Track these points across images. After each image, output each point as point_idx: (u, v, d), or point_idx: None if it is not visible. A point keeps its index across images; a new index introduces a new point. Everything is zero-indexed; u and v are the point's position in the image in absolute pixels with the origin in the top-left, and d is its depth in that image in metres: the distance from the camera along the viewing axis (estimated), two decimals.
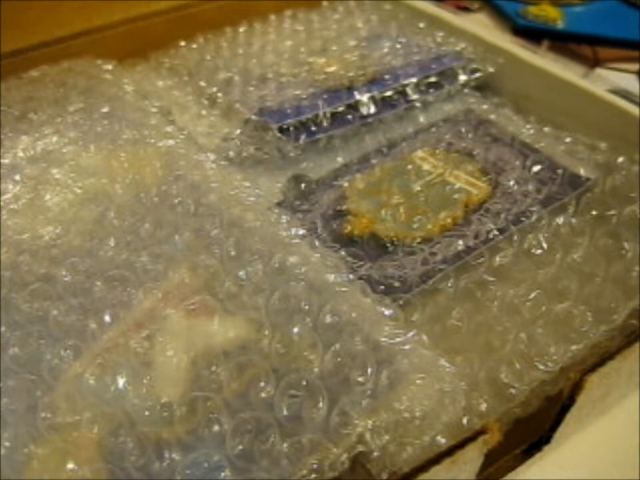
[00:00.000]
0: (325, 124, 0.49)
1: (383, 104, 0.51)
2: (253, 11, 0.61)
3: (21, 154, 0.43)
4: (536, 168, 0.45)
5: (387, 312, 0.34)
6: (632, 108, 0.48)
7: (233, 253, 0.36)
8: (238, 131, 0.48)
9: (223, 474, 0.28)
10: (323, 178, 0.47)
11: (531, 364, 0.34)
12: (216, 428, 0.29)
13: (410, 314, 0.36)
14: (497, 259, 0.40)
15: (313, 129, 0.48)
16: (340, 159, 0.49)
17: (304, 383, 0.30)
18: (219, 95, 0.51)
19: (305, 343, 0.32)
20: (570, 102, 0.51)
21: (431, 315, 0.37)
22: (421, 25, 0.59)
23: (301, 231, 0.39)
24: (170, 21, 0.58)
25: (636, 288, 0.37)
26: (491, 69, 0.54)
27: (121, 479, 0.28)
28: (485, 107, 0.53)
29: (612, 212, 0.42)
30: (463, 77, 0.54)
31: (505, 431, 0.31)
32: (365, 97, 0.50)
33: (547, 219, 0.42)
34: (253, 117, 0.48)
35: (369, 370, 0.30)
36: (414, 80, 0.52)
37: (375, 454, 0.29)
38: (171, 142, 0.45)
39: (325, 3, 0.64)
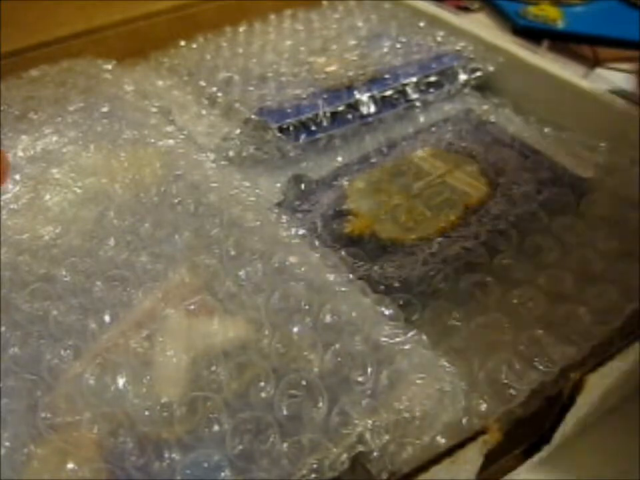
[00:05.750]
0: (324, 123, 0.49)
1: (383, 103, 0.51)
2: (253, 11, 0.61)
3: (20, 154, 0.43)
4: (536, 168, 0.45)
5: (386, 312, 0.34)
6: (632, 108, 0.48)
7: (232, 253, 0.36)
8: (238, 131, 0.48)
9: (222, 474, 0.28)
10: (323, 178, 0.47)
11: (530, 364, 0.34)
12: (216, 428, 0.29)
13: (410, 314, 0.36)
14: (497, 259, 0.40)
15: (313, 128, 0.48)
16: (340, 159, 0.49)
17: (304, 383, 0.30)
18: (219, 94, 0.51)
19: (305, 342, 0.32)
20: (570, 102, 0.51)
21: (431, 315, 0.37)
22: (421, 24, 0.59)
23: (301, 231, 0.39)
24: (170, 20, 0.58)
25: (636, 288, 0.37)
26: (491, 68, 0.54)
27: (120, 479, 0.28)
28: (485, 107, 0.53)
29: (612, 212, 0.42)
30: (463, 77, 0.54)
31: (504, 431, 0.31)
32: (364, 97, 0.50)
33: (546, 219, 0.42)
34: (253, 117, 0.48)
35: (369, 370, 0.30)
36: (414, 79, 0.52)
37: (375, 454, 0.29)
38: (171, 142, 0.45)
39: (324, 3, 0.64)
